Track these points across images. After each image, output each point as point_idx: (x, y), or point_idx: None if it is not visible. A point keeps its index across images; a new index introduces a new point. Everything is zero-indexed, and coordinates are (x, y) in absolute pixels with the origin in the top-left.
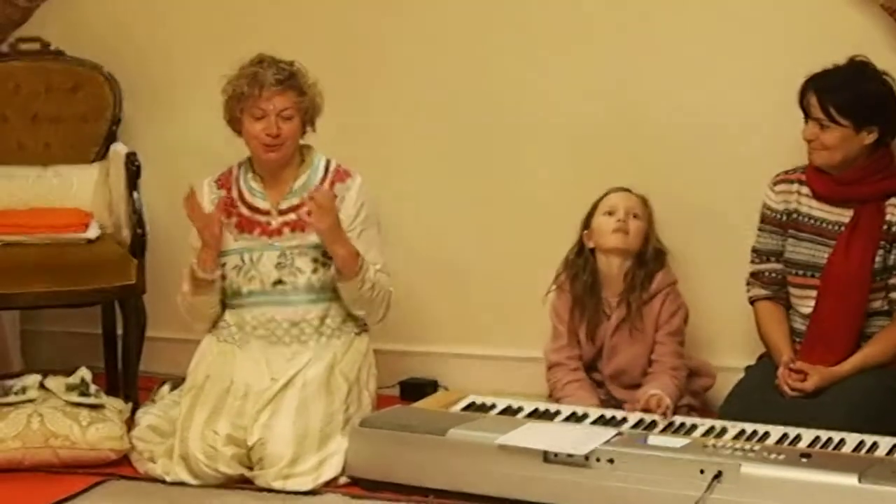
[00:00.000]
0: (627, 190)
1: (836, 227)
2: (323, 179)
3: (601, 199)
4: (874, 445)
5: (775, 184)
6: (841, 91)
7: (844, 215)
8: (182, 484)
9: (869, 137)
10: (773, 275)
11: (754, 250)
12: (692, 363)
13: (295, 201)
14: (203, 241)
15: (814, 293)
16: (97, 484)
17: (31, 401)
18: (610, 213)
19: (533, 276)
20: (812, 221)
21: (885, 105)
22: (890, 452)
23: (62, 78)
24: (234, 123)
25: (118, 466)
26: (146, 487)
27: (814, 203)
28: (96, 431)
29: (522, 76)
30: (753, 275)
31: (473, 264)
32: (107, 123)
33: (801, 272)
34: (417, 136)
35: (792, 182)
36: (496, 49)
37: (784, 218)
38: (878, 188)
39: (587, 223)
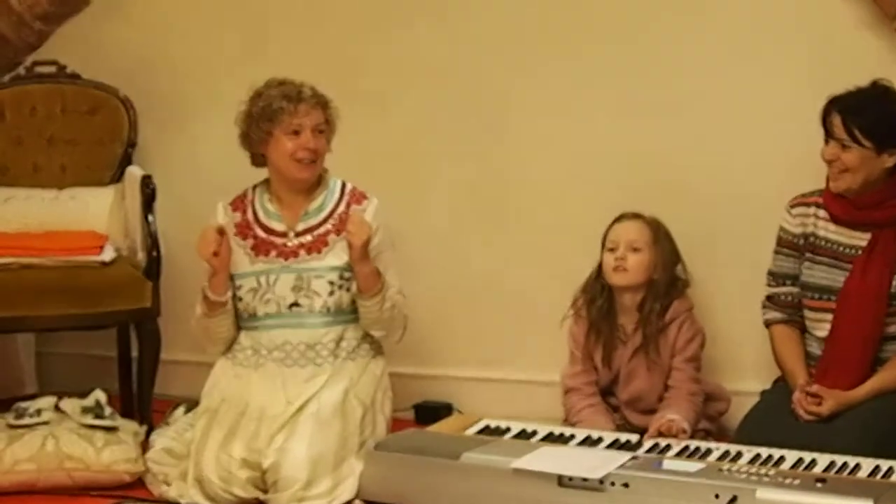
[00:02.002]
0: (639, 216)
1: (854, 251)
2: (339, 201)
3: (609, 227)
4: (889, 470)
5: (792, 206)
6: (865, 112)
7: (862, 239)
8: None
9: (890, 160)
10: (789, 298)
11: (770, 273)
12: (707, 388)
13: (311, 223)
14: (213, 268)
15: (829, 316)
16: None
17: (45, 423)
18: (612, 249)
19: (548, 301)
20: (829, 245)
21: (883, 121)
22: None
23: (78, 101)
24: (259, 145)
25: (133, 489)
26: None
27: (831, 227)
28: (111, 454)
29: (541, 99)
30: (769, 298)
31: (489, 288)
32: (122, 146)
33: (816, 296)
34: (433, 159)
35: (809, 205)
36: (512, 71)
37: (801, 241)
38: (893, 212)
39: (602, 246)
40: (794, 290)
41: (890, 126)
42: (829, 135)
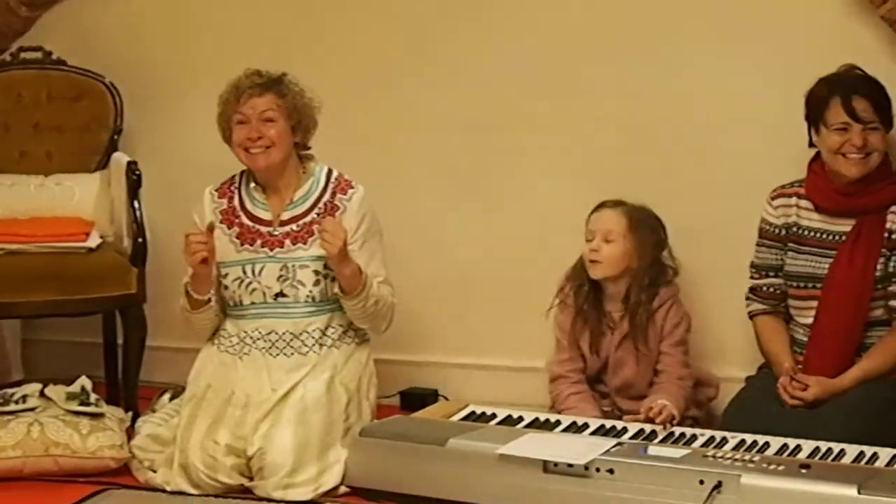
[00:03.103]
0: (620, 203)
1: (838, 237)
2: (324, 190)
3: (590, 215)
4: (874, 456)
5: (773, 198)
6: (877, 91)
7: (846, 225)
8: (182, 493)
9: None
10: (772, 290)
11: (753, 265)
12: (696, 373)
13: (296, 212)
14: (194, 270)
15: (815, 304)
16: (97, 493)
17: (31, 409)
18: (589, 240)
19: (534, 287)
20: (812, 234)
21: (889, 100)
22: (890, 463)
23: (64, 87)
24: (229, 140)
25: (118, 475)
26: (146, 497)
27: (814, 216)
28: (96, 440)
29: (526, 87)
30: (752, 290)
31: (474, 275)
32: (108, 133)
33: (802, 284)
34: (419, 147)
35: (790, 196)
36: (499, 61)
37: (783, 232)
38: (881, 197)
39: None
40: (778, 281)
41: (889, 103)
42: (853, 118)
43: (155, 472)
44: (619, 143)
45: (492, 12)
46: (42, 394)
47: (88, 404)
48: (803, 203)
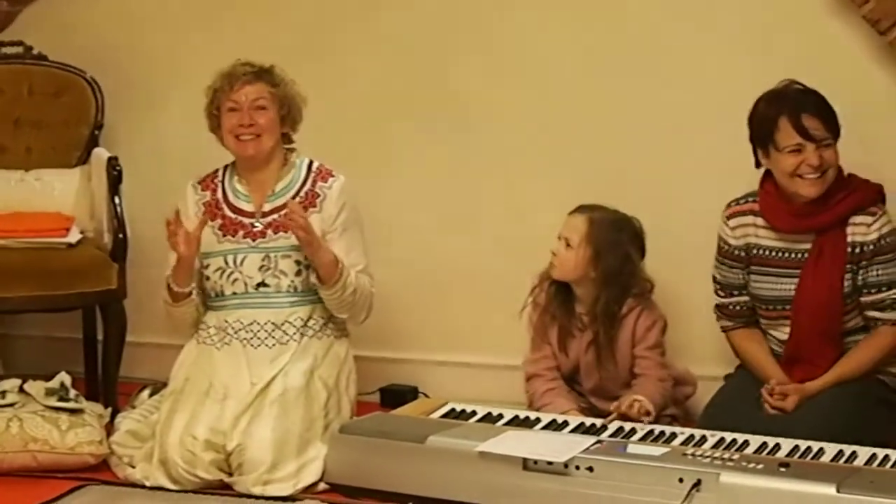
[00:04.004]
0: (593, 208)
1: (799, 255)
2: (305, 179)
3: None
4: (853, 455)
5: (729, 217)
6: (823, 106)
7: (806, 241)
8: (161, 489)
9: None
10: (740, 307)
11: (717, 282)
12: (674, 372)
13: (278, 203)
14: (178, 257)
15: (787, 321)
16: (76, 488)
17: (10, 405)
18: (558, 240)
19: (514, 285)
20: (772, 254)
21: (834, 111)
22: (868, 462)
23: (45, 82)
24: (216, 129)
25: (97, 471)
26: (125, 492)
27: (772, 234)
28: (75, 436)
29: (508, 87)
30: (720, 308)
31: (454, 272)
32: (89, 128)
33: (770, 307)
34: (401, 143)
35: (746, 214)
36: (483, 61)
37: (743, 253)
38: (838, 211)
39: None
40: (744, 298)
41: (836, 115)
42: (806, 138)
43: (134, 467)
44: (600, 144)
45: (476, 16)
46: (21, 389)
47: (68, 400)
48: (760, 221)
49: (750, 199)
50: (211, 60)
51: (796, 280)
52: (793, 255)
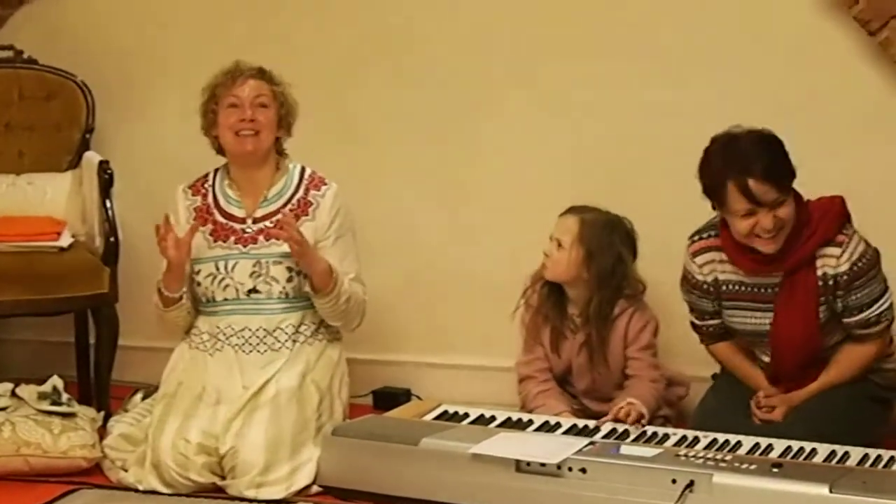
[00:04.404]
0: (585, 209)
1: (770, 291)
2: (298, 186)
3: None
4: (845, 455)
5: (694, 254)
6: (773, 163)
7: (776, 276)
8: (154, 493)
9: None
10: (716, 328)
11: (689, 305)
12: (666, 373)
13: (270, 209)
14: (168, 262)
15: (766, 349)
16: (69, 492)
17: (2, 409)
18: (550, 241)
19: (506, 287)
20: (743, 289)
21: (788, 158)
22: (861, 462)
23: (35, 86)
24: (211, 129)
25: (90, 475)
26: (118, 496)
27: (741, 271)
28: (68, 440)
29: (500, 89)
30: (696, 327)
31: (447, 274)
32: (80, 132)
33: (748, 338)
34: (392, 147)
35: (711, 250)
36: (473, 60)
37: (712, 288)
38: (803, 254)
39: None
40: (718, 321)
41: (785, 162)
42: (756, 204)
43: (127, 471)
44: (593, 144)
45: (466, 9)
46: (13, 393)
47: (60, 404)
48: (724, 257)
49: (713, 233)
50: (202, 63)
51: (770, 314)
52: (763, 290)
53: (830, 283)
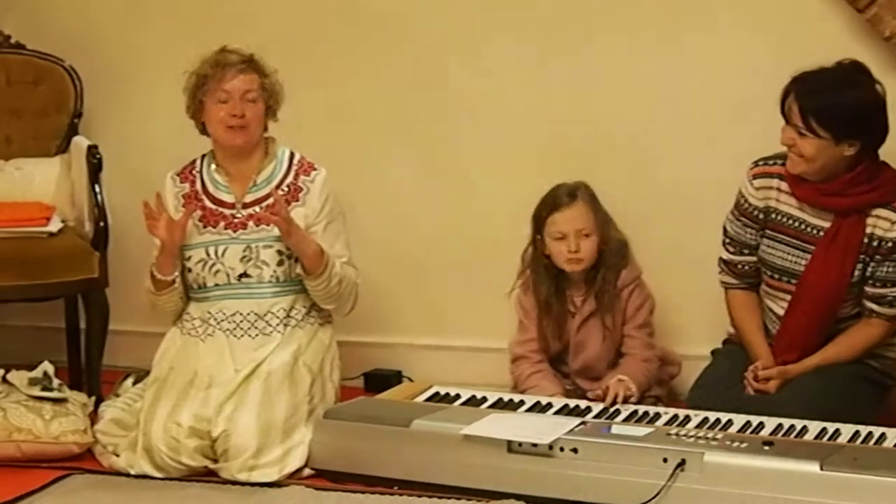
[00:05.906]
0: (573, 195)
1: (816, 231)
2: (287, 172)
3: (549, 214)
4: (836, 433)
5: (755, 177)
6: (823, 101)
7: (825, 219)
8: (146, 477)
9: (849, 150)
10: (747, 267)
11: (728, 237)
12: (658, 352)
13: (259, 194)
14: (161, 244)
15: (788, 296)
16: (61, 478)
17: None
18: (560, 239)
19: (498, 268)
20: (791, 222)
21: (867, 118)
22: (851, 439)
23: (23, 71)
24: (197, 114)
25: (82, 460)
26: (110, 481)
27: (794, 202)
28: (59, 425)
29: (487, 72)
30: (726, 263)
31: (437, 256)
32: (68, 117)
33: (776, 276)
34: (381, 129)
35: (772, 176)
36: (461, 46)
37: (762, 216)
38: (860, 201)
39: (537, 227)
40: (753, 259)
41: (847, 116)
42: (786, 119)
43: (118, 456)
44: (577, 122)
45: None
46: (4, 379)
47: (51, 389)
48: (784, 186)
49: (779, 161)
50: (193, 47)
51: (808, 256)
52: (810, 230)
53: (875, 243)
